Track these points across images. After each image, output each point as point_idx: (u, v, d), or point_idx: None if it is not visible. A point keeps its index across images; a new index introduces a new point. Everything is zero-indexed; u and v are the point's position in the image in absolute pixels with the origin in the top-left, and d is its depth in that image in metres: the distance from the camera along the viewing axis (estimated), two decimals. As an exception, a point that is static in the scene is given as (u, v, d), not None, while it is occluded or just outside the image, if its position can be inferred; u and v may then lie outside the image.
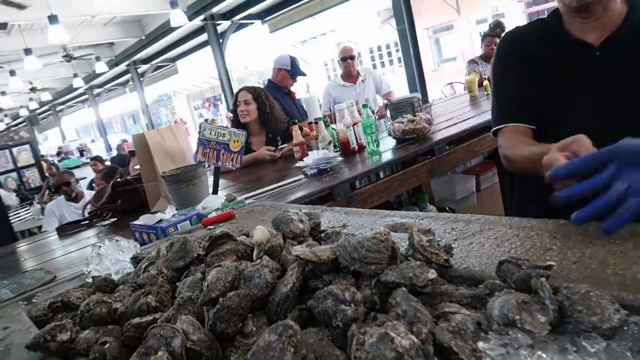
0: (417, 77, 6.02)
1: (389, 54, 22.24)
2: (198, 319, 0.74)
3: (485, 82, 4.19)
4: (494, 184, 3.64)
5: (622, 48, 1.24)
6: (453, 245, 0.88)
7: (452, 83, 6.86)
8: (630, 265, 0.69)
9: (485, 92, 4.07)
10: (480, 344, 0.59)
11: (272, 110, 3.43)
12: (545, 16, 1.40)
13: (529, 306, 0.63)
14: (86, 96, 18.25)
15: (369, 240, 0.73)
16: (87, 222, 2.55)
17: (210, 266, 0.84)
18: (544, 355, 0.56)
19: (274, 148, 3.28)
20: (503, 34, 1.50)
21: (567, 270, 0.72)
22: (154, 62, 12.55)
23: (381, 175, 2.53)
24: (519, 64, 1.38)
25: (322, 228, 1.02)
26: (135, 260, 1.17)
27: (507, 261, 0.71)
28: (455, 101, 4.27)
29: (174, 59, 13.01)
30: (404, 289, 0.67)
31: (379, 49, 22.63)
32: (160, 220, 1.60)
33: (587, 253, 0.75)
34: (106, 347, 0.81)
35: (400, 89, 5.72)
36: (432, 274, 0.69)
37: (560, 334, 0.61)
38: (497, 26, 4.85)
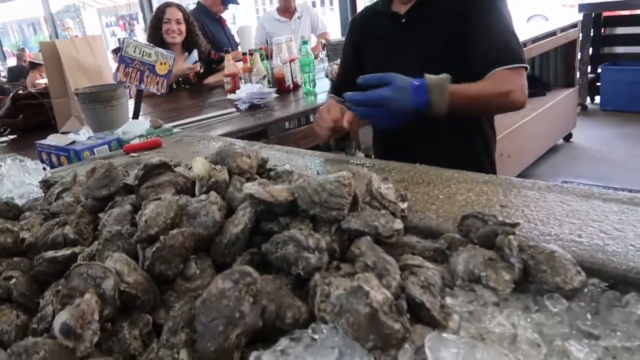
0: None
1: (321, -6, 21.57)
2: (128, 257, 0.65)
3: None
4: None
5: (421, 14, 1.43)
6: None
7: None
8: (598, 234, 0.69)
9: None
10: (449, 300, 0.57)
11: (198, 34, 3.20)
12: None
13: (495, 263, 0.61)
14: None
15: (331, 183, 0.67)
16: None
17: (145, 198, 0.73)
18: (511, 313, 0.55)
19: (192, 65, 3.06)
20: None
21: (526, 229, 0.71)
22: (61, -35, 11.09)
23: (311, 118, 2.45)
24: (353, 45, 1.59)
25: (268, 166, 0.93)
26: (46, 184, 1.02)
27: (471, 215, 0.68)
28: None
29: (85, -35, 11.57)
30: (368, 238, 0.62)
31: (312, -13, 21.84)
32: (74, 142, 1.42)
33: (546, 210, 0.75)
34: (12, 282, 0.69)
35: (332, 32, 5.54)
36: (398, 224, 0.65)
37: (522, 292, 0.60)
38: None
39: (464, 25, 1.34)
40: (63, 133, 1.62)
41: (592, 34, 5.01)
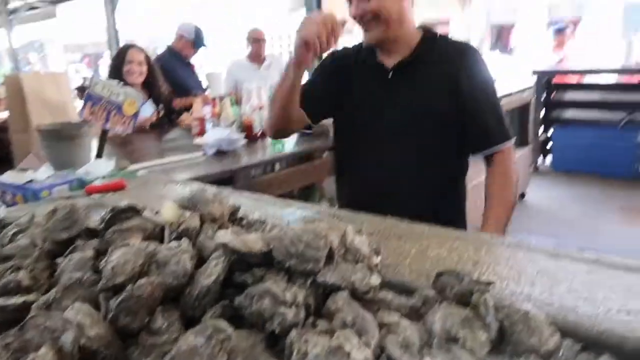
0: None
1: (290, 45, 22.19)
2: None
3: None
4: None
5: (409, 71, 1.43)
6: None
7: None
8: (569, 294, 0.70)
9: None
10: (427, 361, 0.55)
11: (158, 76, 3.27)
12: None
13: (471, 323, 0.60)
14: None
15: (307, 234, 0.66)
16: None
17: (111, 244, 0.70)
18: (489, 376, 0.54)
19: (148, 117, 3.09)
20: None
21: (499, 287, 0.71)
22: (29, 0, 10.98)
23: (277, 167, 2.46)
24: (328, 72, 1.55)
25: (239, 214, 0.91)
26: (0, 225, 0.96)
27: (447, 273, 0.68)
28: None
29: (54, 2, 11.50)
30: (346, 293, 0.61)
31: (280, 38, 22.47)
32: (31, 181, 1.36)
33: (517, 269, 0.76)
34: (-45, 332, 0.63)
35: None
36: (375, 279, 0.64)
37: (498, 353, 0.59)
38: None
39: (454, 88, 1.38)
40: (21, 170, 1.55)
41: (543, 98, 5.34)
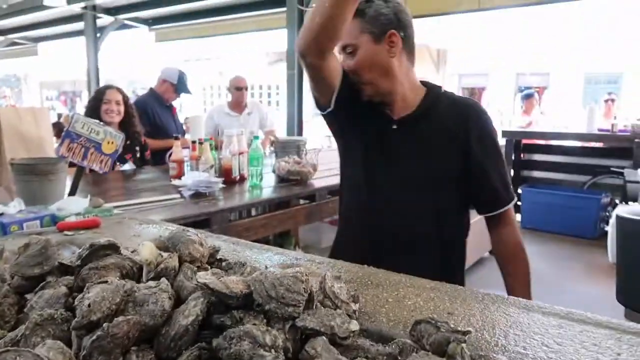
0: (296, 124, 6.13)
1: (269, 95, 22.64)
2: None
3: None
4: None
5: (413, 126, 1.40)
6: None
7: (330, 135, 7.12)
8: (541, 347, 0.72)
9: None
10: (405, 409, 0.55)
11: (135, 117, 3.32)
12: None
13: (448, 372, 0.61)
14: None
15: (288, 278, 0.66)
16: None
17: (87, 281, 0.68)
18: None
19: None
20: None
21: (474, 338, 0.72)
22: (10, 36, 10.98)
23: (253, 212, 2.46)
24: (346, 88, 1.39)
25: (219, 256, 0.91)
26: (-33, 258, 0.92)
27: (424, 321, 0.69)
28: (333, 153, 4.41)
29: (36, 40, 11.54)
30: (324, 338, 0.61)
31: (260, 87, 22.92)
32: (1, 214, 1.32)
33: (491, 320, 0.77)
34: None
35: (277, 131, 5.73)
36: (354, 325, 0.64)
37: (474, 404, 0.60)
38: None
39: (462, 149, 1.36)
40: (-11, 204, 1.51)
41: (513, 158, 5.56)
